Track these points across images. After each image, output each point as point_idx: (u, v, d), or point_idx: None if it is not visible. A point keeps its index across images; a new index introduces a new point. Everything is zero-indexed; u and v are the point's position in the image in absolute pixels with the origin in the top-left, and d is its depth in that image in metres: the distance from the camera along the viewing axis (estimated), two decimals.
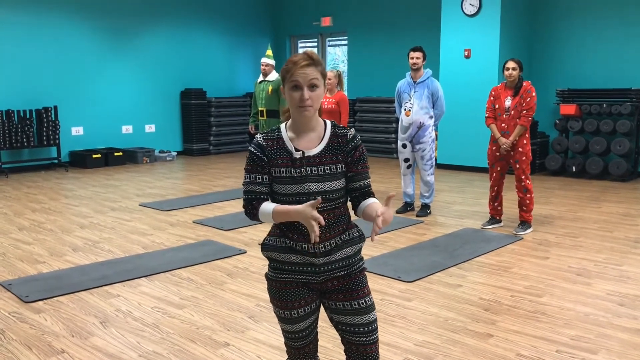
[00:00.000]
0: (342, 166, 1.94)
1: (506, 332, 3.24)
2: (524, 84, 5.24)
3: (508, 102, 5.27)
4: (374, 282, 4.03)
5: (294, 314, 1.99)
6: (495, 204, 5.55)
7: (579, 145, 8.24)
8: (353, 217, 2.11)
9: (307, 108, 1.88)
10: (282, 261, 1.97)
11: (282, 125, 2.00)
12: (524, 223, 5.37)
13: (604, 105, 8.09)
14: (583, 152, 8.34)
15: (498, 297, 3.79)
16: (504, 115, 5.29)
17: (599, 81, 8.47)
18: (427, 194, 6.11)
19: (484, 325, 3.34)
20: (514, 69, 5.19)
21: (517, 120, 5.21)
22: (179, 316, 3.53)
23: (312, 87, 1.88)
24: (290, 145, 1.94)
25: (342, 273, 1.97)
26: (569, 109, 8.30)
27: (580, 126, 8.27)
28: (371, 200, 1.95)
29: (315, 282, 1.97)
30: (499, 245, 4.96)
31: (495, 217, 5.59)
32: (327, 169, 1.92)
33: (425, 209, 6.11)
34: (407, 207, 6.24)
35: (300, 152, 1.92)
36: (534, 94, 5.21)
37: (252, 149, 1.96)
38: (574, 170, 8.29)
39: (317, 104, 1.91)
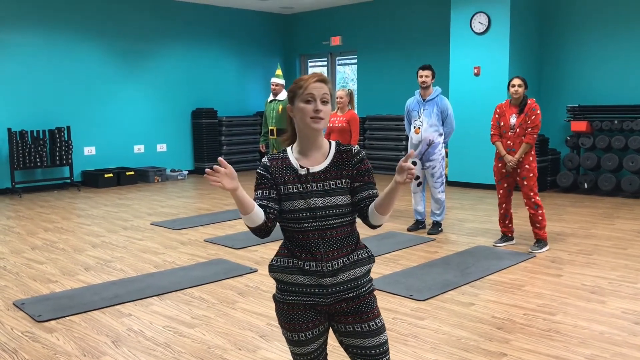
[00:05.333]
0: (346, 182, 1.95)
1: (520, 351, 3.20)
2: (529, 101, 5.26)
3: (513, 120, 5.28)
4: (385, 300, 4.01)
5: (302, 336, 1.98)
6: (506, 222, 5.53)
7: (590, 162, 8.20)
8: (362, 236, 2.10)
9: (318, 120, 1.92)
10: (290, 282, 1.95)
11: (288, 148, 2.04)
12: (540, 241, 5.32)
13: (615, 122, 8.06)
14: (595, 169, 8.29)
15: (511, 315, 3.75)
16: (509, 133, 5.29)
17: (610, 97, 8.44)
18: (438, 212, 6.09)
19: (497, 344, 3.31)
20: (519, 86, 5.21)
21: (523, 138, 5.22)
22: (191, 335, 3.53)
23: (324, 102, 1.94)
24: (295, 163, 1.97)
25: (351, 295, 1.95)
26: (580, 126, 8.27)
27: (592, 143, 8.23)
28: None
29: (324, 304, 1.95)
30: (512, 263, 4.92)
31: (507, 234, 5.56)
32: (331, 184, 1.94)
33: (436, 227, 6.09)
34: (418, 225, 6.22)
35: (305, 169, 1.95)
36: (538, 112, 5.22)
37: (258, 170, 2.00)
38: (585, 187, 8.24)
39: (326, 120, 1.96)
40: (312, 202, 1.91)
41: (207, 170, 1.77)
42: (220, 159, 1.80)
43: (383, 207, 1.88)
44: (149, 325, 3.69)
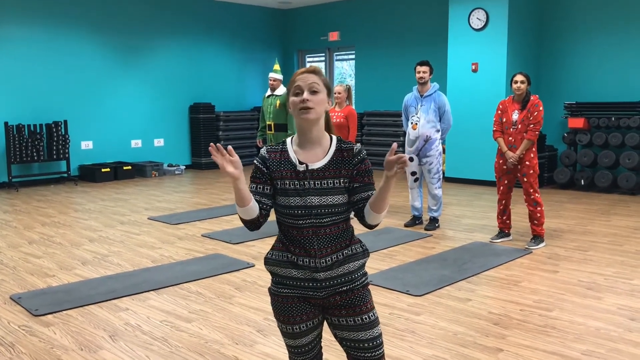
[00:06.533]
0: (344, 181, 1.93)
1: (516, 347, 3.21)
2: (532, 97, 5.24)
3: (515, 116, 5.28)
4: (382, 296, 4.02)
5: (296, 328, 1.99)
6: (504, 218, 5.54)
7: (587, 159, 8.21)
8: (357, 231, 2.09)
9: (308, 110, 1.88)
10: (284, 276, 1.96)
11: (288, 139, 2.01)
12: (537, 237, 5.34)
13: (612, 119, 8.07)
14: (592, 166, 8.31)
15: (508, 311, 3.77)
16: (511, 129, 5.29)
17: (607, 94, 8.46)
18: (435, 207, 6.10)
19: (493, 340, 3.32)
20: (522, 82, 5.19)
21: (525, 134, 5.22)
22: (188, 330, 3.53)
23: (313, 92, 1.90)
24: (294, 158, 1.95)
25: (345, 288, 1.96)
26: (577, 122, 8.28)
27: (589, 139, 8.25)
28: None
29: (317, 297, 1.95)
30: (508, 259, 4.94)
31: (504, 230, 5.57)
32: (329, 182, 1.92)
33: (433, 223, 6.10)
34: (415, 220, 6.23)
35: (304, 165, 1.93)
36: (541, 108, 5.21)
37: (255, 161, 1.98)
38: (582, 183, 8.26)
39: (319, 109, 1.91)
40: (308, 200, 1.90)
41: (212, 144, 1.76)
42: (230, 147, 1.80)
43: (377, 205, 1.88)
44: (146, 320, 3.69)
